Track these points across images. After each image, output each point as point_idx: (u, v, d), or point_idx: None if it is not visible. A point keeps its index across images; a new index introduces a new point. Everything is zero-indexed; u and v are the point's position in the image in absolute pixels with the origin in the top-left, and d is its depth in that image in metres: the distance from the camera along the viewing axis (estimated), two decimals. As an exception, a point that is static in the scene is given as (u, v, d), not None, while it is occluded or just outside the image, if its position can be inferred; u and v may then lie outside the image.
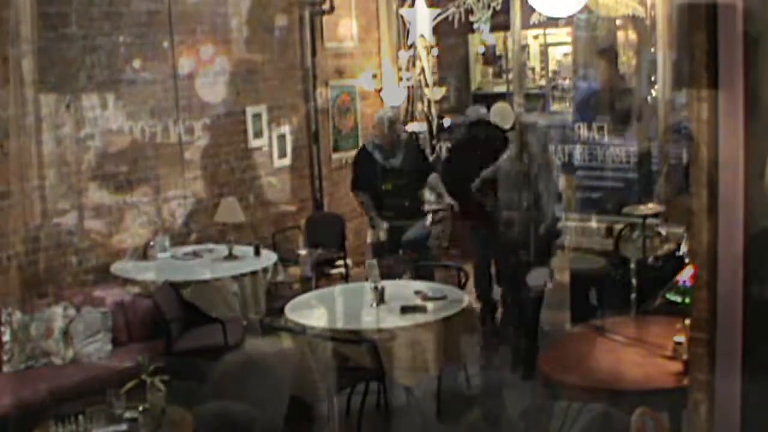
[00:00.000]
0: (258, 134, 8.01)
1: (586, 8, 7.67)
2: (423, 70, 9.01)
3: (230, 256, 6.76)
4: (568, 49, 8.76)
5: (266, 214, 8.11)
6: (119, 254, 6.73)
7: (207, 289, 6.26)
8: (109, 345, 5.71)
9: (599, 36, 8.34)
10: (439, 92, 9.10)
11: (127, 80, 6.82)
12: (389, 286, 5.63)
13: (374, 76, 9.23)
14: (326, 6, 8.55)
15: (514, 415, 5.11)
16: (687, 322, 3.68)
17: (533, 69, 8.93)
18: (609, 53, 8.21)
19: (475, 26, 8.88)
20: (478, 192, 6.40)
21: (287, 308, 5.54)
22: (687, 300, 4.01)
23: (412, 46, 9.07)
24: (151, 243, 6.73)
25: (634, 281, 5.80)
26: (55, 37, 6.27)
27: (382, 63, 9.32)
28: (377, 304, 5.43)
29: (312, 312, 5.49)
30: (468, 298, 5.74)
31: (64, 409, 4.46)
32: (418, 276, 6.42)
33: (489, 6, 8.71)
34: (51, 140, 6.28)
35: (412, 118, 9.23)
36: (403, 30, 9.19)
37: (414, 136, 8.54)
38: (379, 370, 5.06)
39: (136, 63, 6.88)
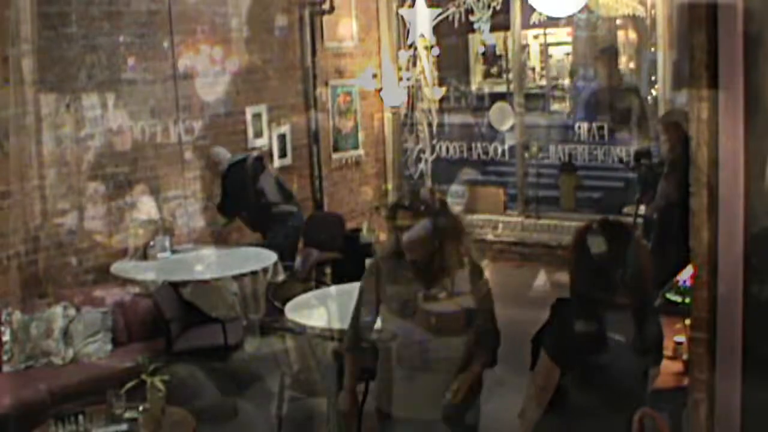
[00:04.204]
0: (258, 134, 8.01)
1: (586, 8, 7.69)
2: (423, 70, 9.01)
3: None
4: (568, 49, 8.77)
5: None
6: (119, 254, 6.74)
7: (207, 289, 6.27)
8: (109, 345, 5.71)
9: (599, 36, 8.34)
10: (439, 92, 9.11)
11: (127, 80, 6.82)
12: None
13: (374, 76, 9.23)
14: (326, 6, 8.55)
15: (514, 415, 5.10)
16: (687, 322, 3.68)
17: (533, 69, 8.93)
18: (609, 53, 8.21)
19: (475, 26, 8.88)
20: None
21: (287, 308, 5.54)
22: (687, 300, 4.01)
23: (412, 46, 9.07)
24: (151, 243, 6.73)
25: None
26: (55, 37, 6.27)
27: (382, 63, 9.32)
28: (377, 304, 5.42)
29: (312, 312, 5.48)
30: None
31: (64, 409, 4.45)
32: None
33: (489, 6, 8.71)
34: (51, 140, 6.28)
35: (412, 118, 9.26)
36: (403, 30, 9.19)
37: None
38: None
39: (136, 63, 6.88)
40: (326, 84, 8.75)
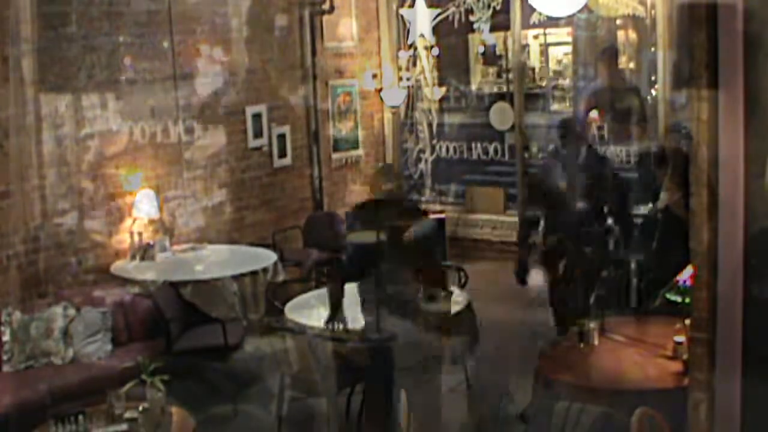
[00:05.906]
0: (258, 134, 8.01)
1: (586, 8, 7.67)
2: (423, 70, 9.01)
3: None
4: (568, 49, 8.76)
5: (266, 214, 8.11)
6: (119, 254, 6.74)
7: (207, 289, 6.26)
8: (109, 345, 5.71)
9: (599, 36, 8.33)
10: (439, 92, 9.10)
11: (127, 80, 6.82)
12: (389, 286, 5.63)
13: (374, 76, 9.23)
14: (326, 6, 8.55)
15: (515, 415, 5.10)
16: (687, 322, 3.68)
17: (533, 69, 8.92)
18: (609, 53, 8.20)
19: (475, 26, 8.88)
20: None
21: (287, 308, 5.54)
22: (687, 300, 4.01)
23: (412, 46, 9.07)
24: (151, 243, 6.73)
25: (634, 281, 5.80)
26: (55, 37, 6.26)
27: (382, 63, 9.32)
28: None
29: (312, 312, 5.48)
30: (468, 298, 5.73)
31: (64, 409, 4.46)
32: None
33: (489, 6, 8.71)
34: (51, 140, 6.28)
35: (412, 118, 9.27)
36: (403, 30, 9.19)
37: None
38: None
39: (136, 63, 6.88)
40: (326, 84, 8.75)
